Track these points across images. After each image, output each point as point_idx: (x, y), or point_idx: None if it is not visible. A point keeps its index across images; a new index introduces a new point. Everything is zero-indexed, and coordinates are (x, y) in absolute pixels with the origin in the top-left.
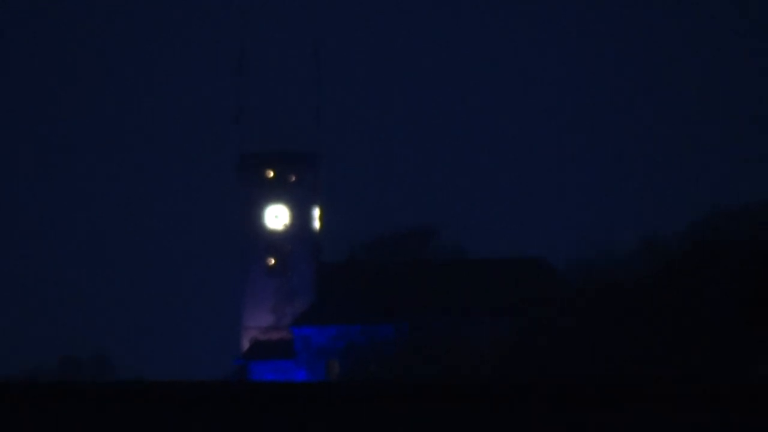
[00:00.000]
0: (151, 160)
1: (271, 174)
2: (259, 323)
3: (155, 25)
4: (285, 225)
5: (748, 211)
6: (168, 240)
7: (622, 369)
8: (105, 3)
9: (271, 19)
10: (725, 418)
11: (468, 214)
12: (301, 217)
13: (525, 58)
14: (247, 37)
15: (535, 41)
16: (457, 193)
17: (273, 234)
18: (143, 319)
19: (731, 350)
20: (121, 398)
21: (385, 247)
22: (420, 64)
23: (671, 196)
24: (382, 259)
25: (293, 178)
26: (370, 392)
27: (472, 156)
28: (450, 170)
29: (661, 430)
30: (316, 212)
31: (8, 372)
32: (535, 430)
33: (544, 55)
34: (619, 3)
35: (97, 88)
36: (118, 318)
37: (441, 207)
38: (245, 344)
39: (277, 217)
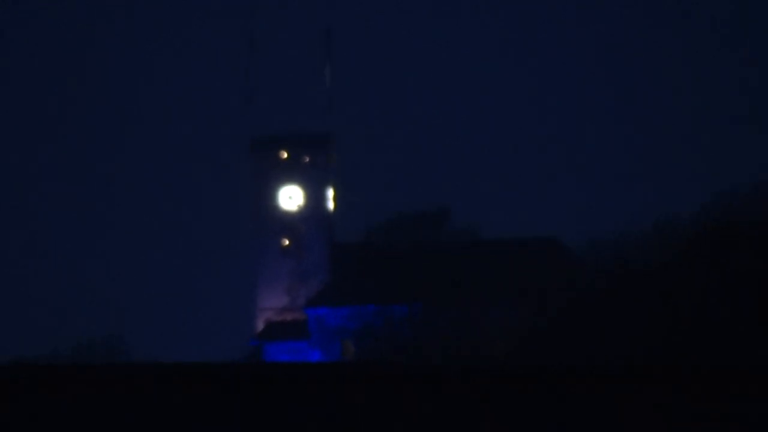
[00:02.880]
0: (165, 142)
1: (285, 155)
2: (273, 304)
3: (169, 5)
4: (299, 206)
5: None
6: (182, 221)
7: (638, 352)
8: None
9: None
10: (743, 403)
11: (483, 195)
12: (315, 198)
13: (538, 35)
14: (259, 17)
15: (549, 22)
16: (471, 173)
17: (287, 215)
18: (157, 301)
19: (749, 332)
20: (135, 380)
21: (399, 228)
22: (434, 44)
23: (686, 175)
24: (396, 239)
25: (307, 159)
26: (384, 373)
27: (487, 136)
28: (464, 150)
29: (676, 415)
30: (330, 193)
31: (25, 354)
32: (551, 414)
33: (558, 31)
34: None
35: (109, 68)
36: (132, 300)
37: (455, 187)
38: (260, 325)
39: (291, 198)
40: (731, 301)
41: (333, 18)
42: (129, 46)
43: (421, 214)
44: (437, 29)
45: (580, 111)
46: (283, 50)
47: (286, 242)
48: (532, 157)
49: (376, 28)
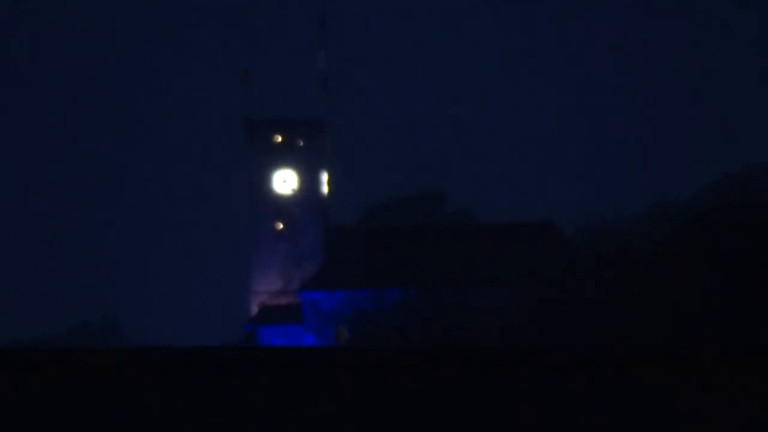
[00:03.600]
0: (158, 126)
1: (279, 139)
2: (267, 288)
3: None
4: (293, 190)
5: (760, 173)
6: (176, 205)
7: (633, 336)
8: None
9: None
10: (736, 383)
11: (477, 178)
12: (309, 182)
13: (530, 21)
14: (254, 1)
15: (542, 6)
16: (465, 156)
17: (281, 198)
18: (152, 285)
19: (745, 313)
20: (129, 364)
21: (394, 212)
22: (428, 28)
23: (682, 158)
24: (390, 223)
25: (301, 143)
26: (378, 357)
27: (481, 120)
28: (458, 134)
29: (671, 398)
30: (325, 177)
31: (19, 336)
32: (546, 398)
33: (551, 18)
34: None
35: (102, 52)
36: (127, 283)
37: (450, 171)
38: (254, 309)
39: (285, 181)
40: (728, 284)
41: (328, 2)
42: (124, 33)
43: (416, 198)
44: (431, 13)
45: (576, 96)
46: (279, 34)
47: (281, 226)
48: (527, 140)
49: (370, 12)
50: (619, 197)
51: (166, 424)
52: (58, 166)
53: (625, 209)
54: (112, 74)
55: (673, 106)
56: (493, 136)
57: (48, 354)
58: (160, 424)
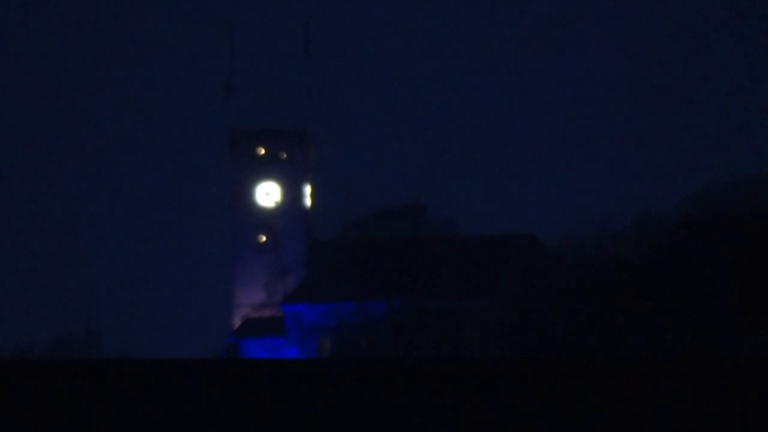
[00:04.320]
0: (141, 139)
1: (262, 151)
2: (250, 300)
3: (145, 3)
4: (276, 202)
5: (741, 184)
6: (159, 218)
7: (616, 346)
8: None
9: None
10: (719, 391)
11: (459, 191)
12: (292, 194)
13: (515, 34)
14: (238, 13)
15: (524, 19)
16: (448, 169)
17: (264, 211)
18: (135, 297)
19: (727, 322)
20: (111, 376)
21: (377, 224)
22: (410, 41)
23: (664, 171)
24: (373, 235)
25: (284, 156)
26: (360, 370)
27: (464, 132)
28: (441, 146)
29: (656, 408)
30: (308, 189)
31: (0, 350)
32: (528, 410)
33: (535, 32)
34: None
35: (86, 62)
36: (109, 296)
37: (432, 183)
38: (237, 322)
39: (268, 194)
40: (711, 293)
41: (311, 16)
42: (108, 44)
43: (399, 210)
44: (416, 27)
45: (559, 110)
46: (262, 47)
47: (264, 238)
48: (510, 152)
49: (354, 26)
50: (602, 208)
51: None
52: (43, 180)
53: (608, 220)
54: (92, 91)
55: (656, 119)
56: (477, 148)
57: (31, 365)
58: None
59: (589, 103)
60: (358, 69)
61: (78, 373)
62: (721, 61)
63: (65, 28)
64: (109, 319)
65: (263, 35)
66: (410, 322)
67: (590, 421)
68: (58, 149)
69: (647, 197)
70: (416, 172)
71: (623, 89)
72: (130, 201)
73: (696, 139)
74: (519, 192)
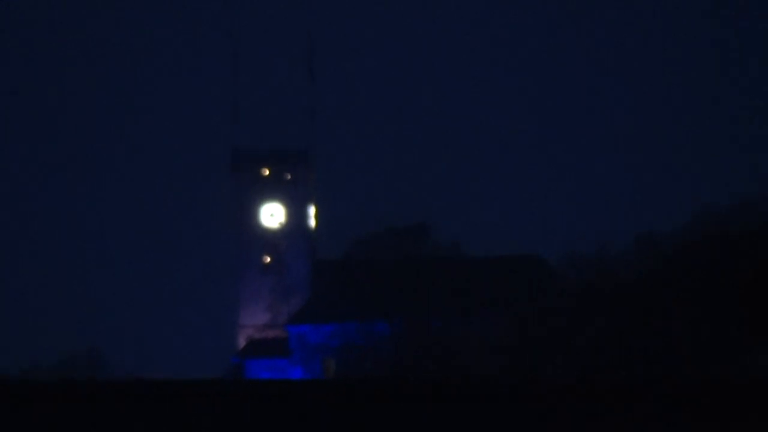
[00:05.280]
0: (146, 159)
1: (267, 172)
2: (255, 321)
3: (149, 22)
4: (280, 223)
5: (743, 204)
6: (163, 238)
7: (618, 366)
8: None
9: (265, 15)
10: (716, 414)
11: (463, 211)
12: (296, 215)
13: (519, 53)
14: (241, 34)
15: (529, 38)
16: (452, 189)
17: (268, 232)
18: (140, 318)
19: (727, 343)
20: (117, 396)
21: (381, 245)
22: (414, 61)
23: (666, 192)
24: (377, 256)
25: (288, 176)
26: (365, 390)
27: (467, 152)
28: (445, 167)
29: (655, 428)
30: (312, 210)
31: (6, 371)
32: (532, 429)
33: (538, 51)
34: (615, 4)
35: (90, 83)
36: (114, 316)
37: (436, 204)
38: (241, 342)
39: (272, 215)
40: (715, 313)
41: (317, 31)
42: (113, 62)
43: (402, 231)
44: (417, 46)
45: (563, 129)
46: (266, 65)
47: (268, 259)
48: (514, 172)
49: (360, 40)
50: (606, 228)
51: None
52: (48, 200)
53: (612, 240)
54: (96, 113)
55: (659, 139)
56: (481, 169)
57: (38, 385)
58: None
59: (592, 124)
60: (362, 89)
61: (82, 394)
62: (725, 81)
63: (72, 48)
64: (113, 340)
65: (266, 56)
66: (414, 342)
67: None
68: (63, 167)
69: (649, 217)
70: (420, 192)
71: (626, 110)
72: (134, 221)
73: (698, 158)
74: (521, 211)
